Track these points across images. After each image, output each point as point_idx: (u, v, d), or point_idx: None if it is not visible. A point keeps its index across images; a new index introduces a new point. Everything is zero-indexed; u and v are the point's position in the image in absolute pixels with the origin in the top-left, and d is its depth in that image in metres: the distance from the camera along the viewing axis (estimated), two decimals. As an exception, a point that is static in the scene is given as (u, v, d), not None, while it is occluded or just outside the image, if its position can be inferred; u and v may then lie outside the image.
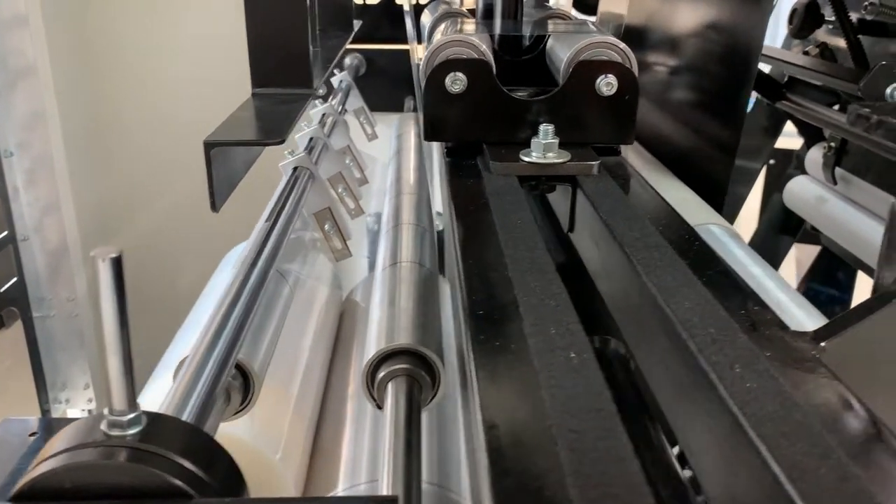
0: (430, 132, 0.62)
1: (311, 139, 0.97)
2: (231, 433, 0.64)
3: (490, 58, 0.63)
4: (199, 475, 0.27)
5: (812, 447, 0.25)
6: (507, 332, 0.33)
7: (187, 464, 0.27)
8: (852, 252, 1.23)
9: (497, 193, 0.53)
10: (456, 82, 0.60)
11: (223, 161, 0.54)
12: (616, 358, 0.51)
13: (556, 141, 0.58)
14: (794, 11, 1.06)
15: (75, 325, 1.70)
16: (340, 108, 1.10)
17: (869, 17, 0.94)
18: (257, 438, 0.66)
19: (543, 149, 0.58)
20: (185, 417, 0.37)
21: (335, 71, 0.93)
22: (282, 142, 0.55)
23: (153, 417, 0.29)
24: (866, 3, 0.93)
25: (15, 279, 1.57)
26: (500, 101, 0.61)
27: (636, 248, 0.43)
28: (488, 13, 0.86)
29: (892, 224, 0.31)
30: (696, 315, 0.34)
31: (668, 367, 0.33)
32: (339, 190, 1.03)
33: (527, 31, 0.82)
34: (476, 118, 0.62)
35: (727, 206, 0.67)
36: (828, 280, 1.53)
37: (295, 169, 0.82)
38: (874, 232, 1.17)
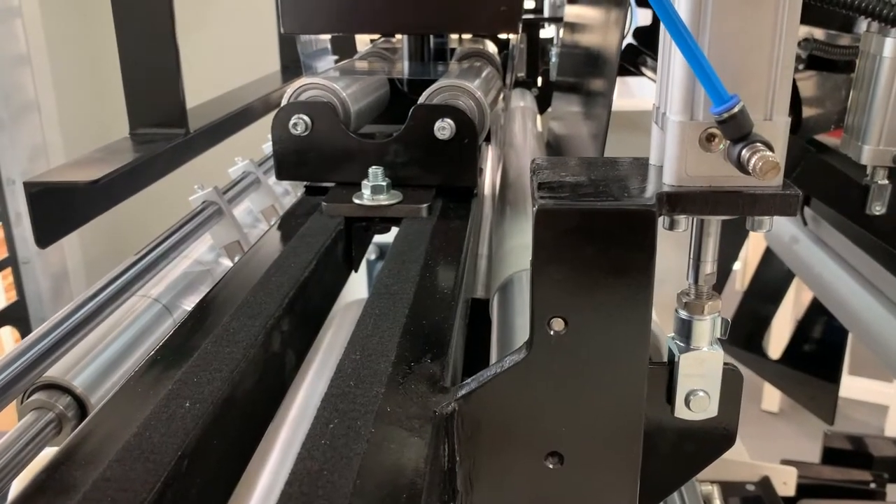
0: (280, 171, 0.64)
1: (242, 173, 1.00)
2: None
3: (345, 100, 0.64)
4: None
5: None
6: (161, 376, 0.34)
7: None
8: (817, 296, 1.18)
9: (304, 235, 0.54)
10: (298, 125, 0.62)
11: (53, 199, 0.57)
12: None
13: (385, 183, 0.59)
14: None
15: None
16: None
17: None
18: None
19: (372, 191, 0.59)
20: None
21: (237, 160, 0.92)
22: (95, 182, 0.57)
23: None
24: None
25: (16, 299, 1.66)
26: (344, 144, 0.62)
27: (379, 292, 0.43)
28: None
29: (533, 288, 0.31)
30: (354, 366, 0.35)
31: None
32: (272, 222, 1.06)
33: (429, 73, 0.83)
34: (322, 159, 0.63)
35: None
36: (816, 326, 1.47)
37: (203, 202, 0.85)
38: (835, 276, 1.12)
